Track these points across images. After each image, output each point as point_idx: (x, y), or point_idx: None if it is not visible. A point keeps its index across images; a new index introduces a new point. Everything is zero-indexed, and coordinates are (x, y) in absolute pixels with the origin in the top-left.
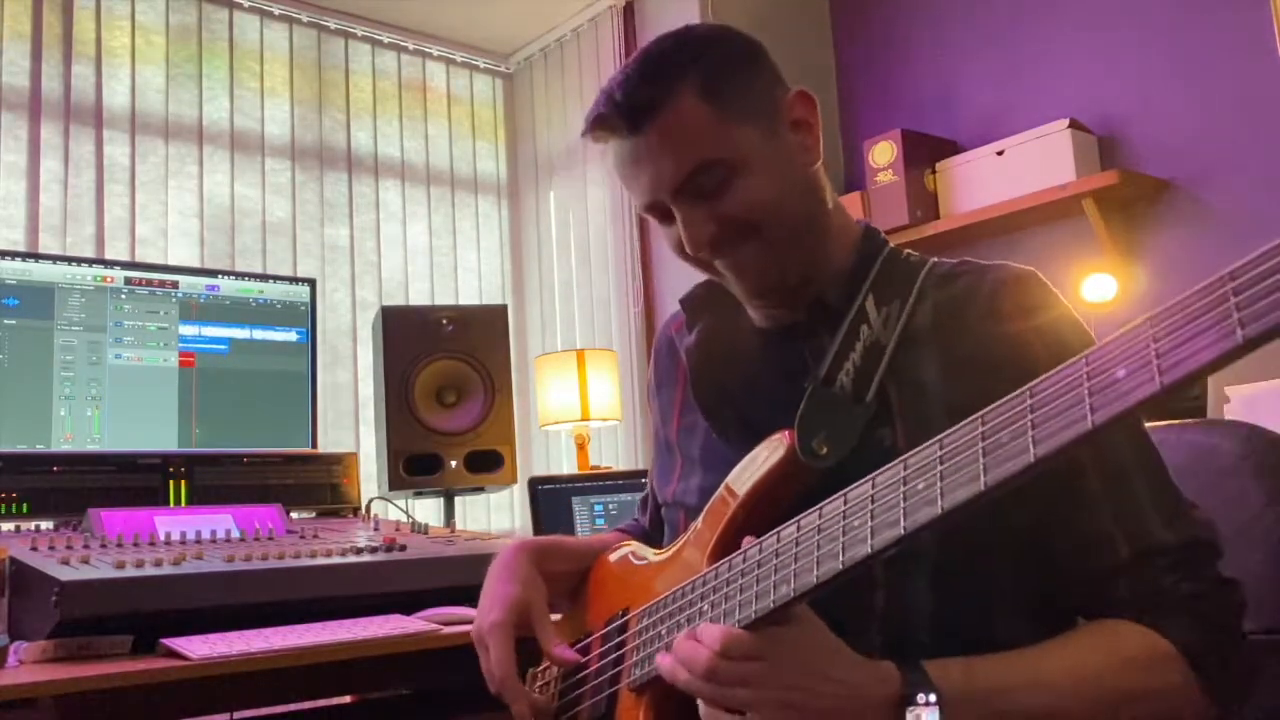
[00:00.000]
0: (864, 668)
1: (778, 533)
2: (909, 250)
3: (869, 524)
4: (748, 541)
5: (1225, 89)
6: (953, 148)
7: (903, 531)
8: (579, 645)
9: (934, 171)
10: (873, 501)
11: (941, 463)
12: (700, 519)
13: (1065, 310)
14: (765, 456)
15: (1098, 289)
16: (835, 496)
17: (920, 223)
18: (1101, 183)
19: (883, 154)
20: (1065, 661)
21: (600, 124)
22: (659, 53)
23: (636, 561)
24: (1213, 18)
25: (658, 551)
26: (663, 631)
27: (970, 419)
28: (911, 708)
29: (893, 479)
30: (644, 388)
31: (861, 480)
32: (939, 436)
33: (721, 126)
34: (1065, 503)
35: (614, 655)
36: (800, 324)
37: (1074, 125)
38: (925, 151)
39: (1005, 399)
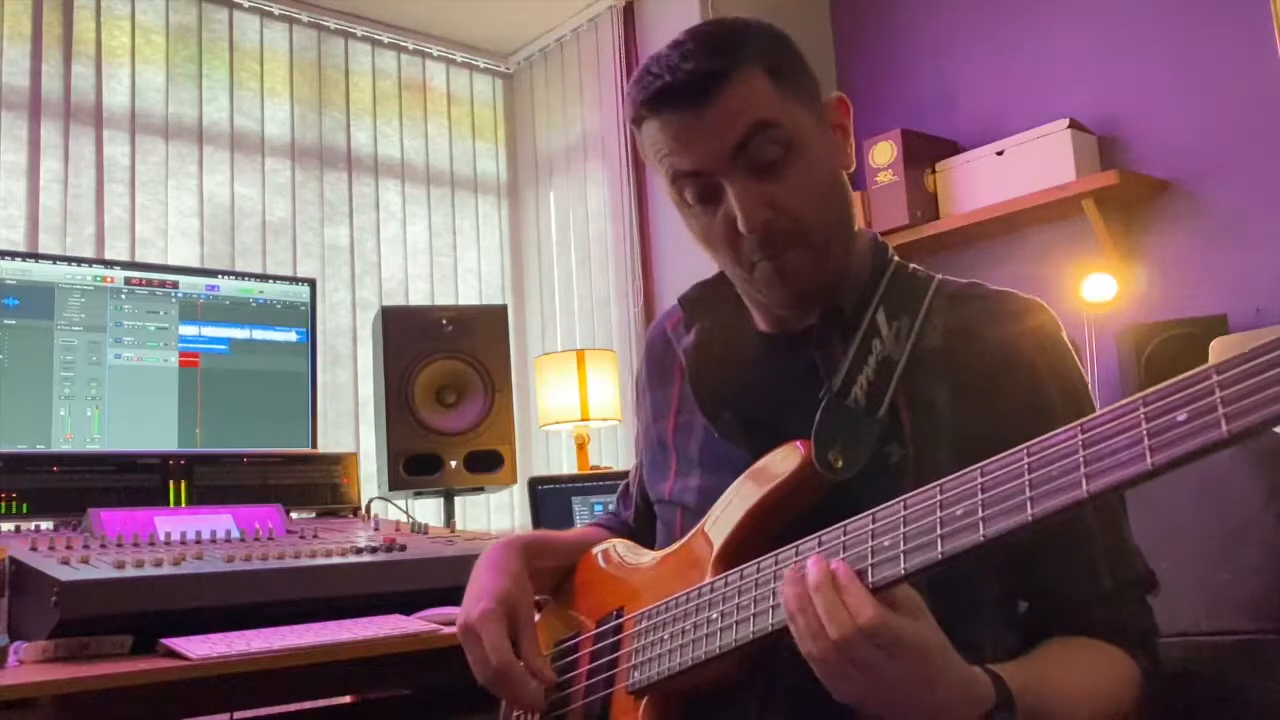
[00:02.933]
0: (963, 681)
1: (796, 546)
2: (914, 265)
3: (900, 546)
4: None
5: (1225, 89)
6: (953, 148)
7: (939, 555)
8: (566, 643)
9: (934, 171)
10: (905, 524)
11: (983, 491)
12: (703, 524)
13: (1068, 346)
14: (778, 465)
15: (1097, 289)
16: (863, 515)
17: (920, 223)
18: (1101, 183)
19: (883, 154)
20: (1083, 678)
21: (664, 94)
22: (720, 32)
23: (630, 562)
24: (1213, 18)
25: (654, 553)
26: (665, 637)
27: (1015, 449)
28: None
29: (928, 501)
30: None
31: (893, 501)
32: (979, 465)
33: (785, 101)
34: (1060, 526)
35: (609, 656)
36: (810, 329)
37: (1074, 125)
38: (925, 151)
39: (1053, 434)
